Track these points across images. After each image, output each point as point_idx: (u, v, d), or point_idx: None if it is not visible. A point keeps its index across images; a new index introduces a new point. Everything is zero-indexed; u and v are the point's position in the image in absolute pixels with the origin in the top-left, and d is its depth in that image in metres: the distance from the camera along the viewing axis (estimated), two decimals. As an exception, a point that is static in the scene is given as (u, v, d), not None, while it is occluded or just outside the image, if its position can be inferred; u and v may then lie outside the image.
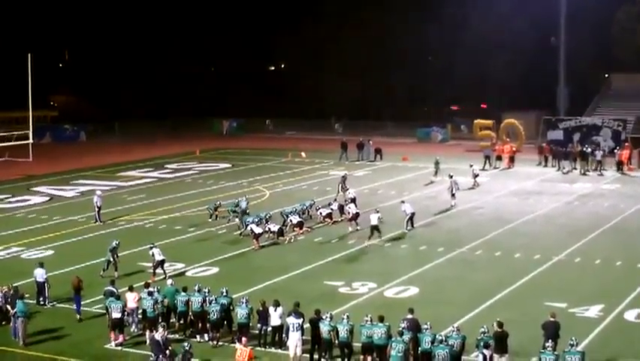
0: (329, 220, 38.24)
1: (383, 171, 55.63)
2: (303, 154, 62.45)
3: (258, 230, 34.28)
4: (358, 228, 36.58)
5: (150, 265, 29.95)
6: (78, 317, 25.62)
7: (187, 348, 20.62)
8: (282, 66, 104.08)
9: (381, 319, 21.63)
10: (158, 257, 29.56)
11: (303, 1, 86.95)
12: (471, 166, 49.19)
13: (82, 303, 26.03)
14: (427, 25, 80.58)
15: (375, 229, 34.62)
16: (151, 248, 29.98)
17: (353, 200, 38.89)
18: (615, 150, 56.78)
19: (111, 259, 29.87)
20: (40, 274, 27.15)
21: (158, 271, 29.58)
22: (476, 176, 48.35)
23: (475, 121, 67.74)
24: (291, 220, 36.55)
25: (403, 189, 47.50)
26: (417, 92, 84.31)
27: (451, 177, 43.05)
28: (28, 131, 60.22)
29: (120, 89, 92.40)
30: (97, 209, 39.30)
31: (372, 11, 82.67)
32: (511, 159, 56.38)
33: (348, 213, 37.46)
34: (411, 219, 36.81)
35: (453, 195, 42.35)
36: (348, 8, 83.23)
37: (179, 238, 36.12)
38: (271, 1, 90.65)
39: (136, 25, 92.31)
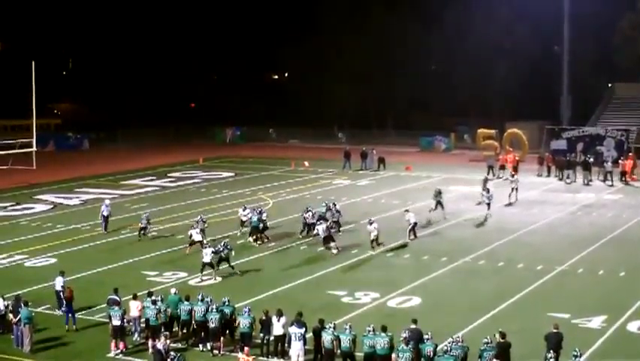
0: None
1: (386, 180, 55.59)
2: (306, 163, 62.49)
3: (197, 237, 34.18)
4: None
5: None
6: (70, 327, 25.49)
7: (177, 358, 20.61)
8: (286, 75, 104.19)
9: (384, 329, 21.62)
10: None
11: (306, 10, 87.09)
12: (513, 176, 48.42)
13: (84, 311, 26.03)
14: (428, 33, 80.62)
15: None
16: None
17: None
18: (620, 160, 56.70)
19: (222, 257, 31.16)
20: (58, 282, 27.12)
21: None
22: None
23: (479, 130, 67.68)
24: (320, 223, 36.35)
25: (406, 198, 47.49)
26: (419, 99, 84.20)
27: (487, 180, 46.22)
28: (32, 139, 60.26)
29: (123, 97, 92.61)
30: (103, 218, 39.23)
31: (373, 19, 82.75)
32: (515, 169, 56.26)
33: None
34: (413, 228, 36.82)
35: (487, 204, 42.57)
36: (349, 17, 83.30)
37: (182, 247, 36.04)
38: (274, 10, 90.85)
39: (140, 34, 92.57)
